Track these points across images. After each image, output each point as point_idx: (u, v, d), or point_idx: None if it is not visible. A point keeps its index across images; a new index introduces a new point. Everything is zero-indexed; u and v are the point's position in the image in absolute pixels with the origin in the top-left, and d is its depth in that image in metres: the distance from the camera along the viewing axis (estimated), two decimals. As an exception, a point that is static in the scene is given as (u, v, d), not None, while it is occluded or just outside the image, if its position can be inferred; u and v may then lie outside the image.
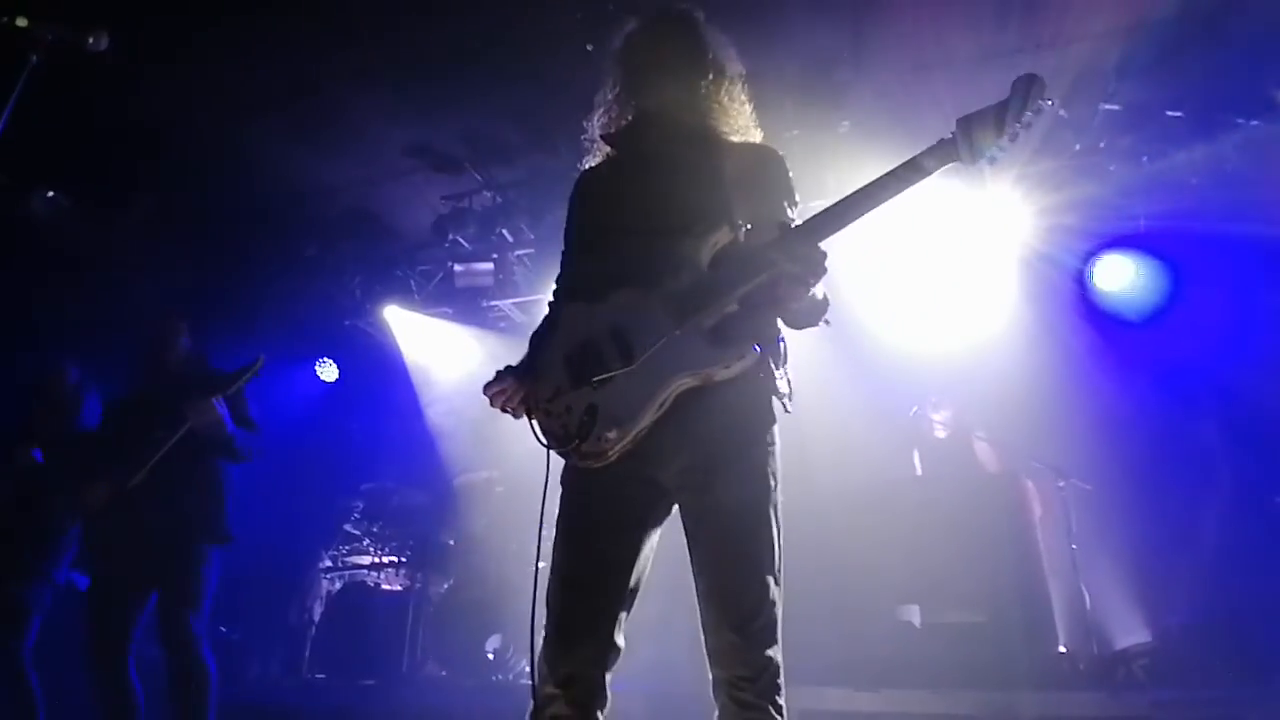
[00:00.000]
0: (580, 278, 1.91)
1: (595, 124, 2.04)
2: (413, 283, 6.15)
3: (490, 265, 5.71)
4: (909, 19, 3.89)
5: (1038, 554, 4.11)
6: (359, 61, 4.08)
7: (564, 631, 1.70)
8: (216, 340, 4.02)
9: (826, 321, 1.81)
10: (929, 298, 5.48)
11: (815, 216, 1.66)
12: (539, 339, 1.95)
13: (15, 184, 4.64)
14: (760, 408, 1.77)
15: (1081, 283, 5.20)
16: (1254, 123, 4.41)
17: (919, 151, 1.64)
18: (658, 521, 1.80)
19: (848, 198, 1.66)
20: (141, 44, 2.62)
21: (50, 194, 4.88)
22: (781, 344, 1.83)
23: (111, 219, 5.22)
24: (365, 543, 5.72)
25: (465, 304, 6.01)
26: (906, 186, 1.65)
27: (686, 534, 1.73)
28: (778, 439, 1.79)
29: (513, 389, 1.84)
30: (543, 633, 1.73)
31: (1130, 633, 4.72)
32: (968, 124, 1.61)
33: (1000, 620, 3.76)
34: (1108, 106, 4.43)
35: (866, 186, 1.65)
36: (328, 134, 4.68)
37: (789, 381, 1.83)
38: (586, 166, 2.09)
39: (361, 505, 5.80)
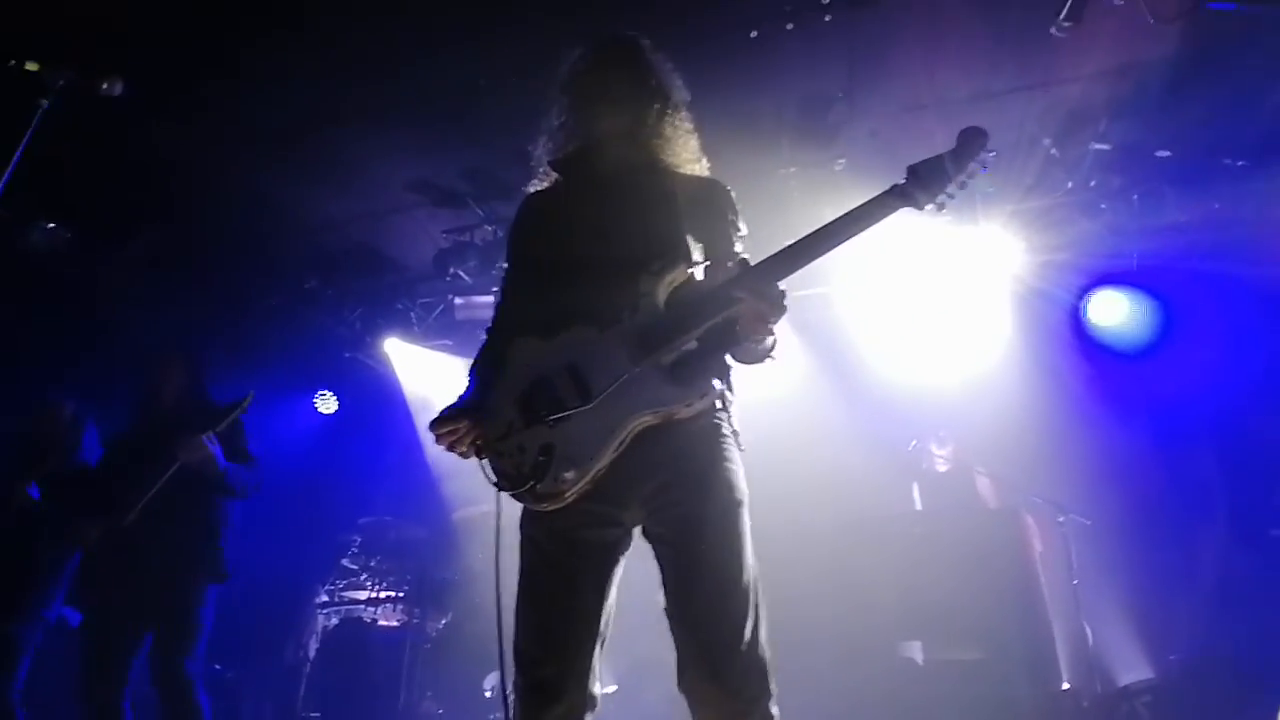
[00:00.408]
0: (530, 310, 1.85)
1: (541, 149, 2.02)
2: (413, 315, 6.18)
3: (491, 298, 5.74)
4: (902, 61, 3.98)
5: (1040, 590, 4.10)
6: (363, 100, 4.15)
7: (535, 692, 1.64)
8: (216, 373, 4.03)
9: (773, 358, 1.80)
10: (926, 333, 5.52)
11: (774, 255, 1.68)
12: (483, 374, 1.87)
13: (15, 217, 4.67)
14: (720, 434, 1.75)
15: (1077, 318, 5.25)
16: (1240, 163, 4.49)
17: (871, 197, 1.69)
18: (620, 558, 1.75)
19: (806, 238, 1.69)
20: (145, 81, 2.66)
21: (51, 226, 4.91)
22: (728, 381, 1.82)
23: (112, 252, 5.25)
24: (362, 577, 5.67)
25: (465, 336, 6.02)
26: (862, 229, 1.68)
27: (658, 558, 1.69)
28: (739, 462, 1.76)
29: (464, 429, 1.77)
30: (513, 690, 1.68)
31: (1133, 669, 4.68)
32: (917, 172, 1.68)
33: (1003, 657, 3.73)
34: (1098, 146, 4.51)
35: (825, 227, 1.68)
36: (331, 170, 4.73)
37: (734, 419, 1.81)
38: (531, 191, 2.06)
39: (359, 539, 5.76)
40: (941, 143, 1.74)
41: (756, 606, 1.63)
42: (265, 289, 5.93)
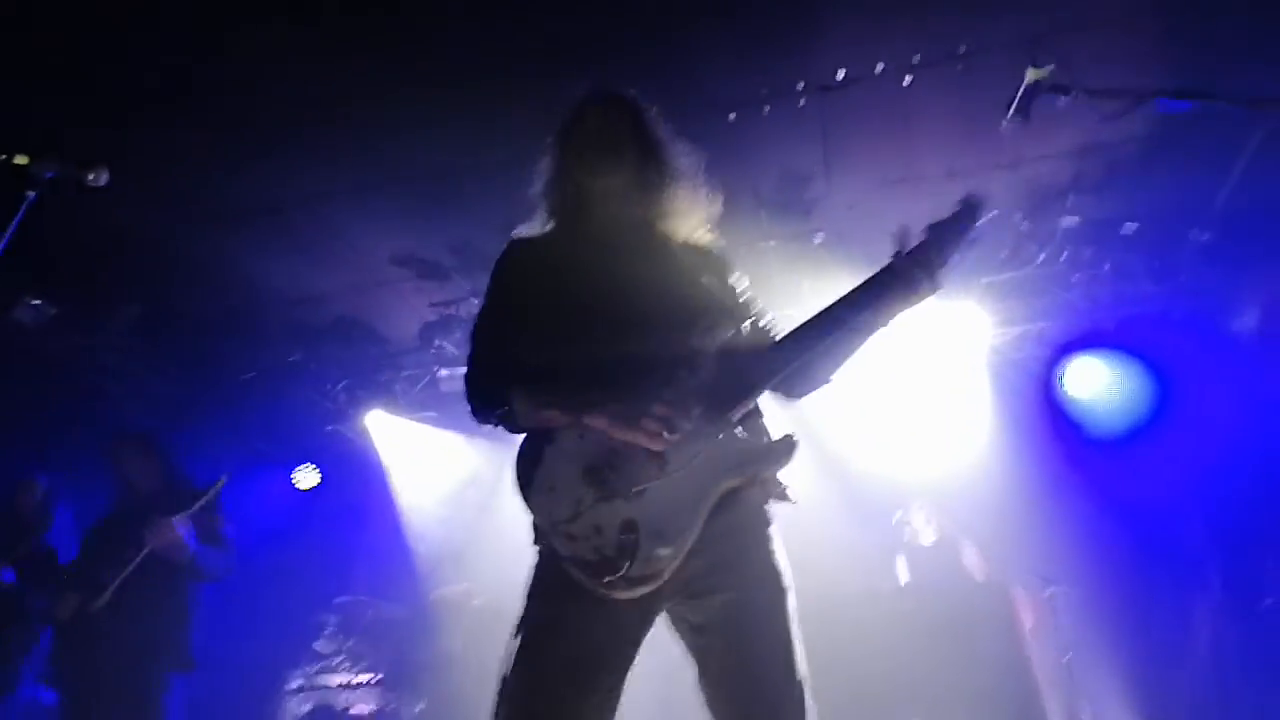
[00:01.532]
0: (559, 369, 1.68)
1: (540, 197, 1.95)
2: (397, 387, 6.15)
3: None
4: (875, 141, 4.14)
5: (1031, 665, 4.01)
6: (348, 176, 4.22)
7: None
8: (196, 448, 3.98)
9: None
10: (905, 406, 5.55)
11: (800, 328, 1.71)
12: (526, 451, 1.64)
13: (1, 294, 4.66)
14: (766, 511, 1.68)
15: (1055, 388, 5.30)
16: (1206, 236, 4.63)
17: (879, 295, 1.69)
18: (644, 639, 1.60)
19: (822, 334, 1.70)
20: (129, 158, 2.71)
21: (36, 303, 4.90)
22: None
23: (96, 327, 5.23)
24: (336, 661, 5.45)
25: (450, 408, 5.99)
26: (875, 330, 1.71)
27: (695, 650, 1.55)
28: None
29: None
30: None
31: (1131, 747, 4.55)
32: (923, 261, 1.67)
33: (997, 736, 3.62)
34: (1068, 220, 4.65)
35: (840, 334, 1.69)
36: (316, 244, 4.77)
37: None
38: (521, 235, 1.95)
39: (334, 620, 5.57)
40: (917, 215, 1.78)
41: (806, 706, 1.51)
42: (247, 362, 5.90)
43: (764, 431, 1.65)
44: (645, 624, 1.57)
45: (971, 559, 4.86)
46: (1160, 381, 5.15)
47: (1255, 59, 3.26)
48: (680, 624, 1.58)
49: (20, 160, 2.06)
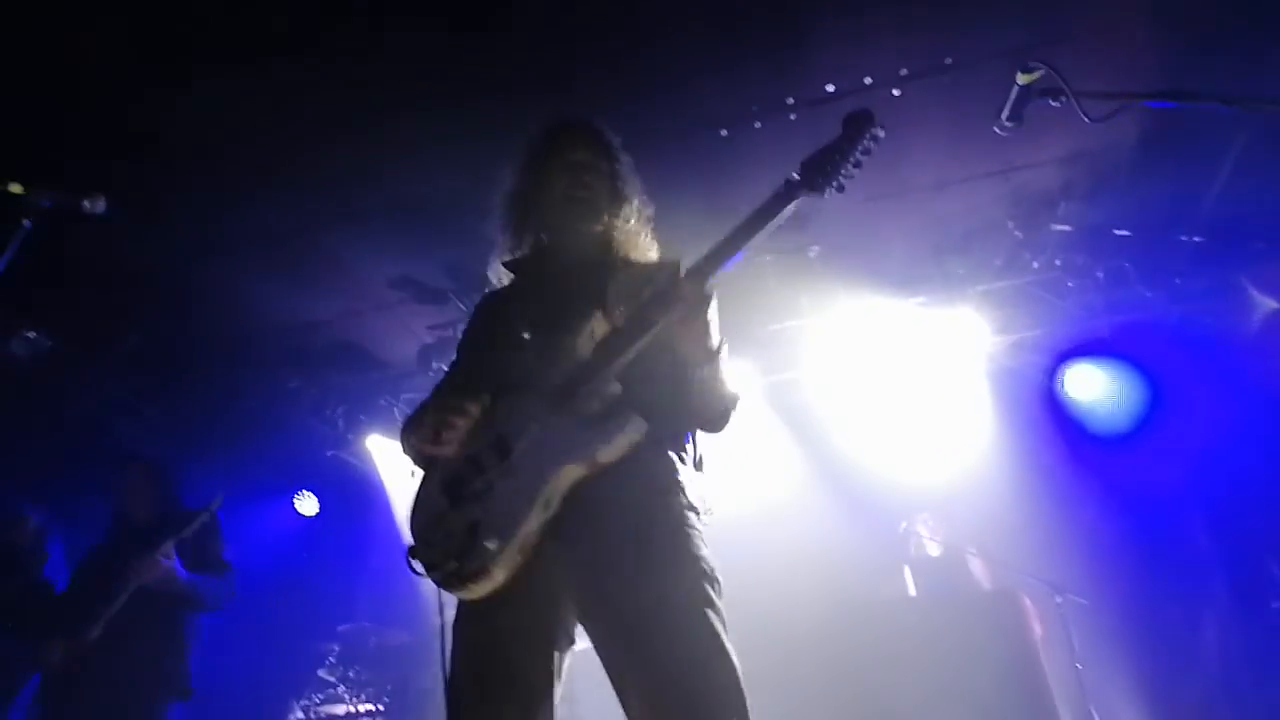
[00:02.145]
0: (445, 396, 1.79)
1: (501, 245, 1.99)
2: (396, 411, 6.13)
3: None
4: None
5: (1043, 675, 3.97)
6: (345, 202, 4.23)
7: None
8: (195, 476, 3.96)
9: (727, 417, 1.69)
10: (906, 416, 5.55)
11: (695, 262, 1.62)
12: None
13: (-4, 327, 4.66)
14: (668, 487, 1.58)
15: (1055, 395, 5.31)
16: (1197, 239, 4.66)
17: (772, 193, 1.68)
18: (566, 651, 1.56)
19: (716, 245, 1.64)
20: (126, 189, 2.72)
21: (32, 335, 4.89)
22: (691, 446, 1.70)
23: (92, 358, 5.22)
24: (340, 689, 5.40)
25: (448, 431, 5.98)
26: (767, 223, 1.66)
27: (605, 664, 1.46)
28: (697, 525, 1.57)
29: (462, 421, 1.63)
30: None
31: (1145, 755, 4.50)
32: (813, 163, 1.69)
33: (1010, 748, 3.58)
34: (1059, 227, 4.68)
35: (734, 231, 1.65)
36: (313, 270, 4.78)
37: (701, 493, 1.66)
38: (486, 293, 2.06)
39: (337, 648, 5.52)
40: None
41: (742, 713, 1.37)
42: (245, 389, 5.89)
43: (619, 411, 1.52)
44: (538, 634, 1.51)
45: (978, 568, 4.83)
46: (1159, 386, 5.16)
47: (1237, 58, 3.31)
48: (595, 635, 1.49)
49: (15, 189, 2.04)
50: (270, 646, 5.67)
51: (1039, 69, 1.66)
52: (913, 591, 4.95)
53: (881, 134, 1.70)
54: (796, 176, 1.68)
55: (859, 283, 4.71)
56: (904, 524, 5.07)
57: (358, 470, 6.36)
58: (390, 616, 5.81)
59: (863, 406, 5.47)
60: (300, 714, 5.63)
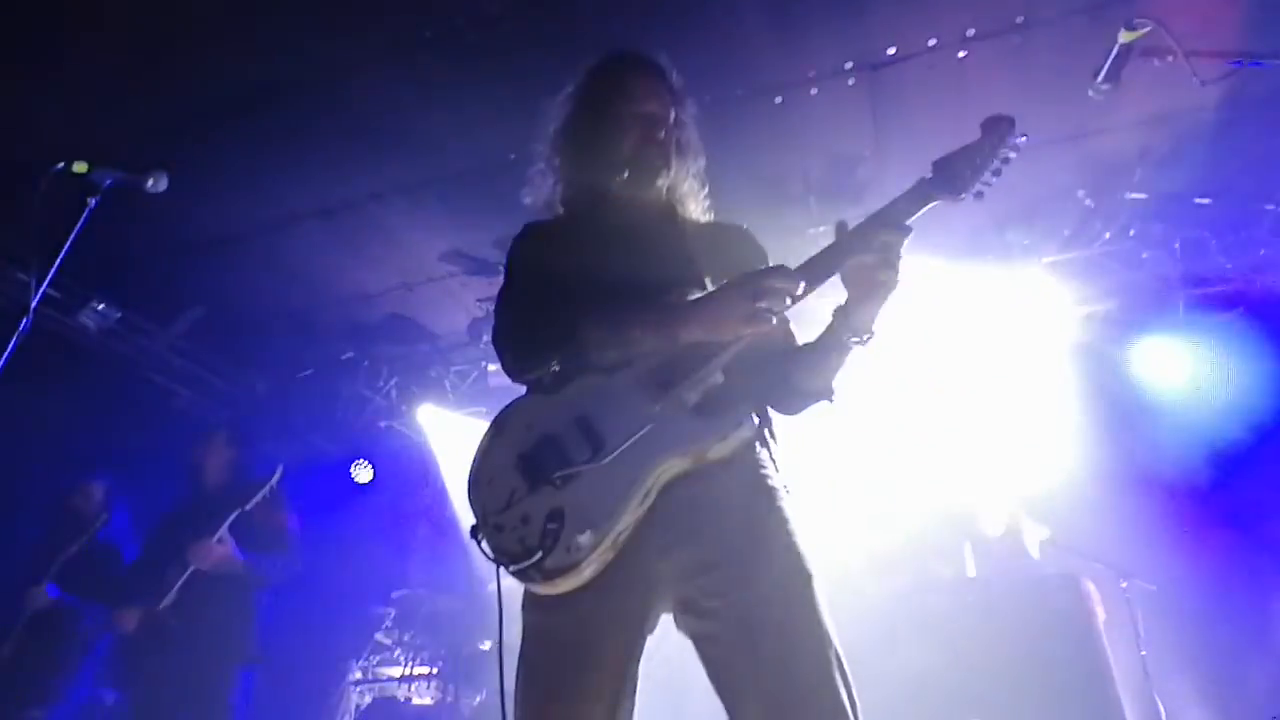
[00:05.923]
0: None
1: (548, 184, 1.88)
2: (447, 383, 6.21)
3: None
4: (927, 119, 3.98)
5: (1106, 661, 3.84)
6: (397, 176, 4.27)
7: None
8: (254, 446, 4.06)
9: (830, 400, 1.64)
10: (972, 388, 5.39)
11: (802, 265, 1.53)
12: (479, 444, 1.59)
13: (66, 298, 4.82)
14: (769, 486, 1.51)
15: (1125, 370, 5.08)
16: (1283, 207, 4.38)
17: (902, 193, 1.58)
18: (645, 641, 1.47)
19: (833, 244, 1.55)
20: (189, 163, 2.77)
21: (100, 307, 5.05)
22: (769, 428, 1.64)
23: (157, 329, 5.40)
24: (396, 653, 5.56)
25: (499, 402, 5.97)
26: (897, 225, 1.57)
27: (706, 662, 1.39)
28: (798, 522, 1.49)
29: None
30: None
31: (1210, 745, 4.36)
32: (946, 164, 1.57)
33: (1070, 735, 3.49)
34: (1134, 195, 4.44)
35: (855, 229, 1.55)
36: (366, 244, 4.85)
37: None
38: (536, 220, 1.89)
39: (393, 613, 5.68)
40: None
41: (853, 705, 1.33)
42: (302, 361, 6.03)
43: (730, 406, 1.45)
44: (624, 621, 1.44)
45: (1040, 549, 4.68)
46: (1237, 361, 4.89)
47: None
48: (690, 633, 1.43)
49: (80, 168, 2.09)
50: (331, 610, 5.84)
51: (1145, 25, 1.50)
52: (972, 572, 4.84)
53: (1023, 140, 1.58)
54: (929, 177, 1.58)
55: (916, 254, 4.54)
56: (965, 500, 4.91)
57: (411, 441, 6.47)
58: (441, 583, 5.94)
59: (921, 380, 5.32)
60: (359, 674, 5.83)
